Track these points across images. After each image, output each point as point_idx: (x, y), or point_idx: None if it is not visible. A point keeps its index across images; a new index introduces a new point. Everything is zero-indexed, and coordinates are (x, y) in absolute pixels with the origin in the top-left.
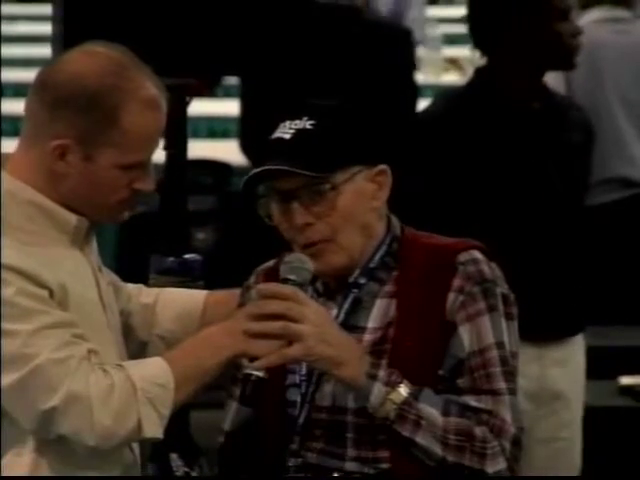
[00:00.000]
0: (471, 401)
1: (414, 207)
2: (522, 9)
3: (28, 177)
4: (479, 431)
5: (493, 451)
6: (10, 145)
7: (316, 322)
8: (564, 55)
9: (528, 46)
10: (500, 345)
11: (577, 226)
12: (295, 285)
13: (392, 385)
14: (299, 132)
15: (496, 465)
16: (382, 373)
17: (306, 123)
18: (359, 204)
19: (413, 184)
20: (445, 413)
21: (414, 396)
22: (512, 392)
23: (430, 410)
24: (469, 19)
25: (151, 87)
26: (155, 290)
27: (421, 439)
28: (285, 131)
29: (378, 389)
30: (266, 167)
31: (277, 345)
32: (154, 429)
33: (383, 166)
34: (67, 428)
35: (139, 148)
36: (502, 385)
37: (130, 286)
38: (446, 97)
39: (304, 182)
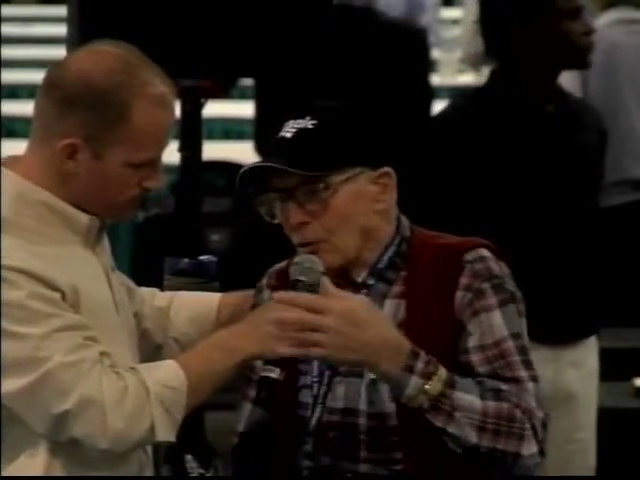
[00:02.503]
0: (500, 385)
1: (425, 208)
2: (529, 10)
3: (38, 177)
4: (517, 412)
5: (528, 433)
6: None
7: (337, 329)
8: (576, 54)
9: (537, 48)
10: (516, 336)
11: (591, 228)
12: (305, 286)
13: (428, 376)
14: (300, 131)
15: (530, 448)
16: (420, 365)
17: (308, 123)
18: (358, 206)
19: (425, 185)
20: (482, 397)
21: (451, 384)
22: (534, 379)
23: (468, 397)
24: (480, 23)
25: (159, 84)
26: (169, 293)
27: (454, 429)
28: (287, 130)
29: (414, 382)
30: (256, 164)
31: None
32: (167, 433)
33: (387, 168)
34: (80, 431)
35: (149, 146)
36: (523, 373)
37: (144, 290)
38: (462, 99)
39: (299, 181)
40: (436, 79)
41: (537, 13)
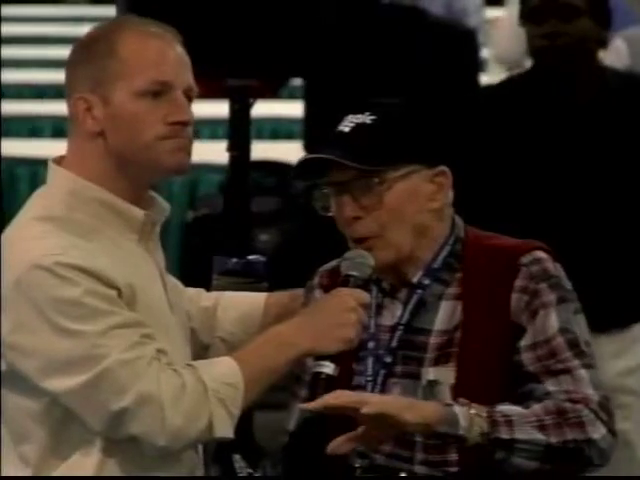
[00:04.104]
0: (549, 386)
1: (472, 204)
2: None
3: (85, 167)
4: (566, 405)
5: (589, 418)
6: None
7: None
8: (533, 56)
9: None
10: (564, 330)
11: (633, 214)
12: (357, 281)
13: (466, 404)
14: (358, 126)
15: (598, 429)
16: (450, 401)
17: (367, 118)
18: (412, 203)
19: (472, 180)
20: (526, 406)
21: (489, 406)
22: (588, 366)
23: (513, 407)
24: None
25: (150, 24)
26: (214, 294)
27: (520, 434)
28: (346, 124)
29: (460, 411)
30: (312, 155)
31: (347, 341)
32: (225, 429)
33: (443, 167)
34: (138, 429)
35: (143, 70)
36: (575, 362)
37: (190, 290)
38: (502, 81)
39: (354, 175)
40: (484, 78)
41: (519, 11)
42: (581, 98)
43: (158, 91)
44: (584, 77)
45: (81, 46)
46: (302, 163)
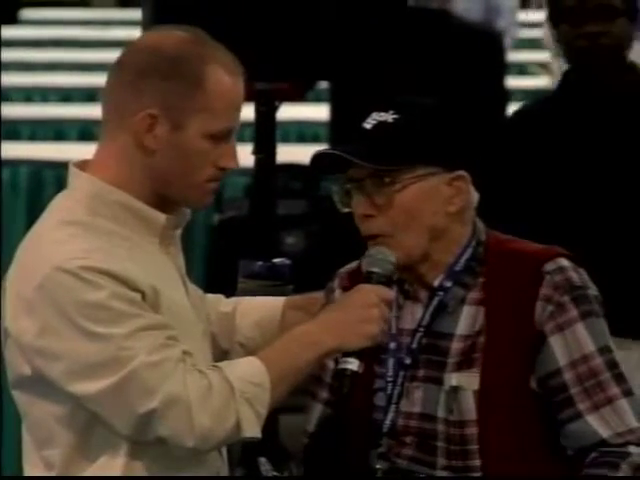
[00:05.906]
0: (595, 424)
1: (499, 209)
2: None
3: (111, 174)
4: (630, 450)
5: None
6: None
7: None
8: (571, 57)
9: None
10: (603, 350)
11: None
12: (379, 277)
13: None
14: (380, 124)
15: None
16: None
17: (390, 116)
18: (426, 205)
19: (499, 186)
20: (613, 466)
21: None
22: (627, 394)
23: None
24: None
25: (228, 55)
26: (233, 299)
27: None
28: (369, 121)
29: None
30: (325, 150)
31: (371, 336)
32: (253, 429)
33: (462, 172)
34: (166, 430)
35: (226, 113)
36: (616, 390)
37: (209, 296)
38: (536, 101)
39: (368, 173)
40: (511, 82)
41: (550, 14)
42: (620, 97)
43: (225, 135)
44: (622, 76)
45: (161, 59)
46: (315, 157)
